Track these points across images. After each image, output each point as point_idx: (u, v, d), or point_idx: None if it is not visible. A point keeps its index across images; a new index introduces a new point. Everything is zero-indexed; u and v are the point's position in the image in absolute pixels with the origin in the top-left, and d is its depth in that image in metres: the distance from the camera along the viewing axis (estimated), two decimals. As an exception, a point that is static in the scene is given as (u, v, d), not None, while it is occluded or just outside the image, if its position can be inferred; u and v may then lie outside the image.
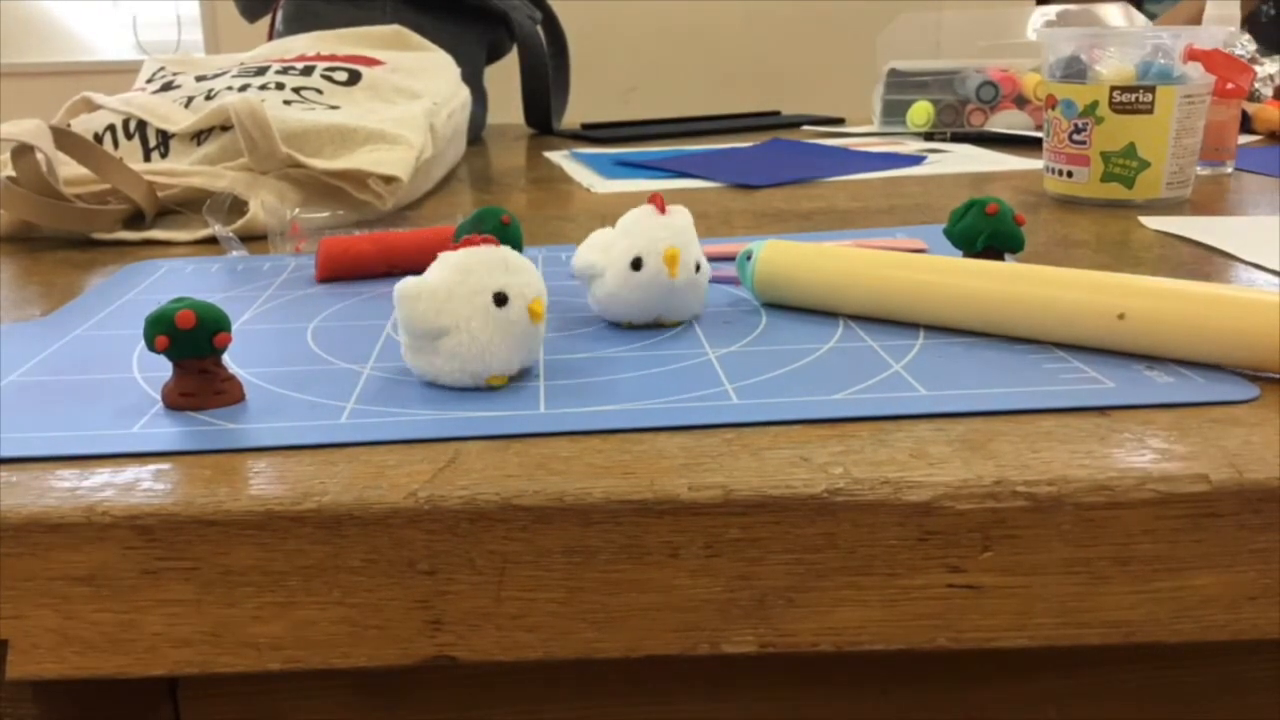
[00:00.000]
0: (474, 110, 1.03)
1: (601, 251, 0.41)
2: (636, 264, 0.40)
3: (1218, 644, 0.32)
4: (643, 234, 0.41)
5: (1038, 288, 0.39)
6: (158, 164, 0.70)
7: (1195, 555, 0.29)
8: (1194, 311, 0.36)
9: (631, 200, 0.76)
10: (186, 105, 0.74)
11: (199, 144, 0.70)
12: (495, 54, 1.23)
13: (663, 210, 0.41)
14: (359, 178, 0.67)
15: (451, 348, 0.35)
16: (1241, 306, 0.35)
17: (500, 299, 0.35)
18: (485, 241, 0.36)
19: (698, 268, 0.42)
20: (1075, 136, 0.67)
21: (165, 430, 0.33)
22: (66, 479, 0.30)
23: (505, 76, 1.26)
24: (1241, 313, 0.35)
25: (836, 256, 0.43)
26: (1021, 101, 1.06)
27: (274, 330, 0.44)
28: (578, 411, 0.34)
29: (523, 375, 0.37)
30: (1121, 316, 0.37)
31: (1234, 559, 0.29)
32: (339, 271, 0.52)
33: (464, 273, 0.35)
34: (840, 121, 1.26)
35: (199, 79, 0.79)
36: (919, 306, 0.41)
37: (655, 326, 0.43)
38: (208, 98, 0.73)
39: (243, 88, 0.74)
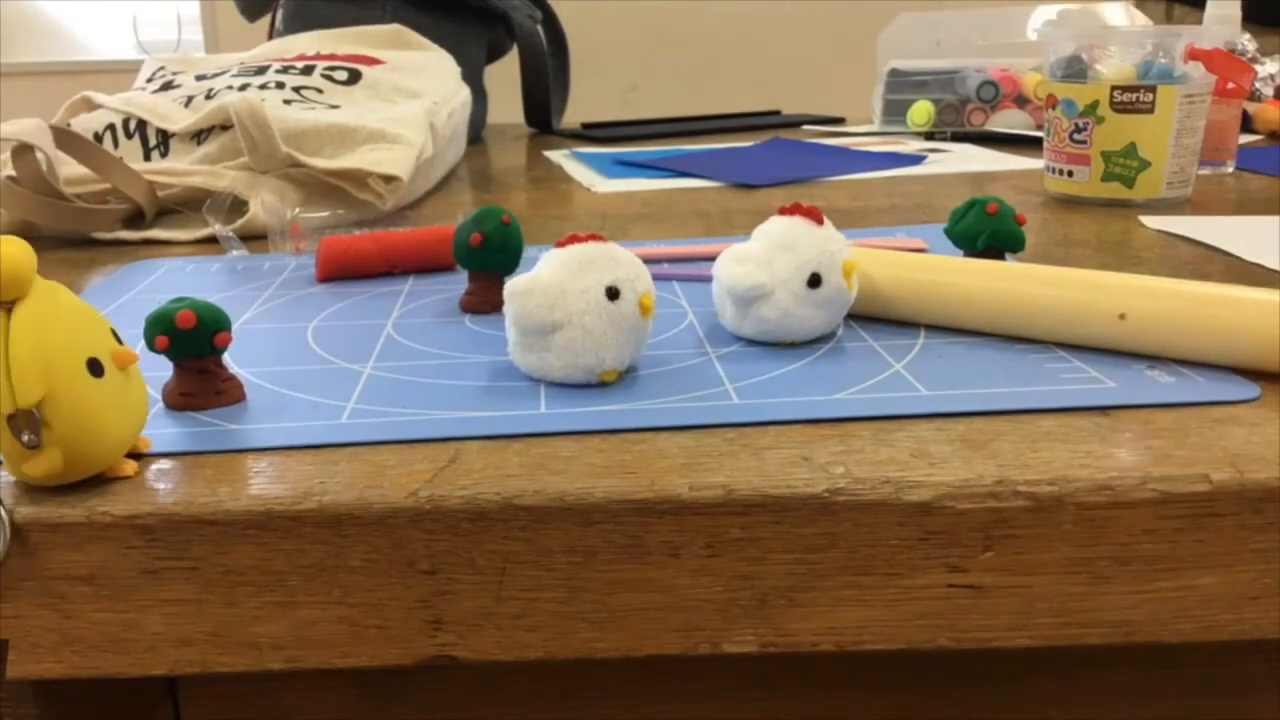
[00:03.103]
0: (474, 110, 1.03)
1: (762, 268, 0.39)
2: (814, 281, 0.38)
3: (1218, 644, 0.32)
4: (812, 247, 0.39)
5: (1038, 287, 0.39)
6: (158, 163, 0.70)
7: (1196, 555, 0.29)
8: (1194, 311, 0.36)
9: (631, 200, 0.76)
10: (186, 105, 0.74)
11: (199, 143, 0.70)
12: (495, 53, 1.23)
13: (820, 222, 0.39)
14: (359, 177, 0.67)
15: (564, 343, 0.35)
16: (1241, 306, 0.35)
17: (612, 293, 0.35)
18: (592, 238, 0.36)
19: None
20: (1076, 136, 0.67)
21: (165, 430, 0.33)
22: (66, 479, 0.30)
23: (505, 76, 1.26)
24: (1241, 313, 0.35)
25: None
26: (1022, 101, 1.06)
27: (274, 330, 0.44)
28: (578, 411, 0.34)
29: (627, 371, 0.37)
30: (1122, 316, 0.37)
31: (1234, 559, 0.29)
32: (339, 271, 0.52)
33: (577, 267, 0.35)
34: (840, 121, 1.26)
35: (199, 78, 0.79)
36: (919, 306, 0.41)
37: (813, 342, 0.40)
38: (208, 97, 0.73)
39: (243, 87, 0.74)
